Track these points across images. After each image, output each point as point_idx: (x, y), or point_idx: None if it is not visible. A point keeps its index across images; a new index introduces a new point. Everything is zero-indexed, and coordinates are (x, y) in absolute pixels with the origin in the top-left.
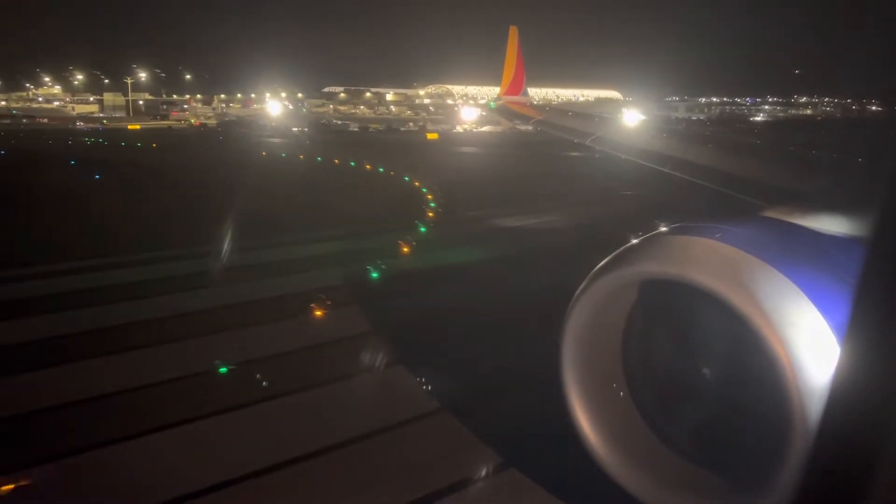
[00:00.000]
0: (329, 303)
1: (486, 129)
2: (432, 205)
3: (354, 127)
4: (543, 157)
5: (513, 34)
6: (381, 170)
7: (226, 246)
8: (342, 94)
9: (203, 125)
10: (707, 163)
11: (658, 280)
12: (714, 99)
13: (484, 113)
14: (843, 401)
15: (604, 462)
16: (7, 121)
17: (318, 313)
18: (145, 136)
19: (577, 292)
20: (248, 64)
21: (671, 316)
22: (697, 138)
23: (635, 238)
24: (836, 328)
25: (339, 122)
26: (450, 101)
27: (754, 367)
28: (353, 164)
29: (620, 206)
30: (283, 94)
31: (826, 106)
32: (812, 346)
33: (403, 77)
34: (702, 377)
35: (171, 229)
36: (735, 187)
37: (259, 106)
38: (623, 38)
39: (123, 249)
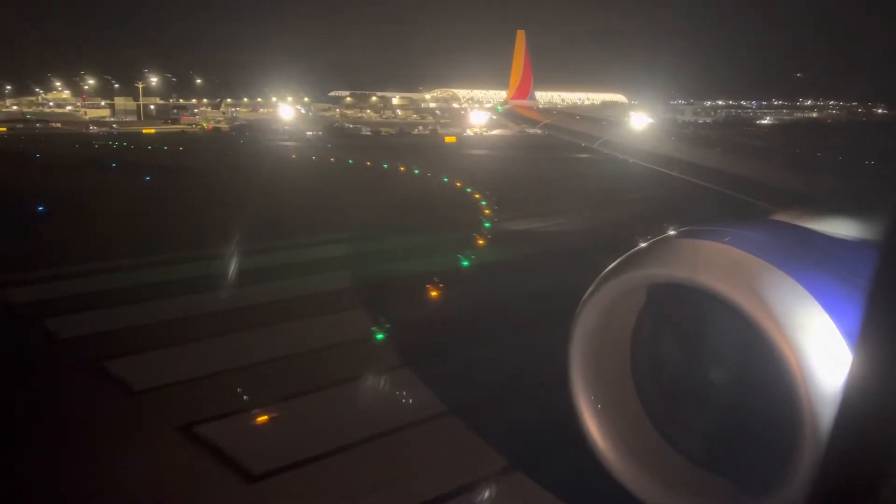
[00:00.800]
0: (442, 285)
1: (496, 132)
2: (483, 203)
3: (367, 131)
4: (559, 159)
5: (520, 38)
6: (416, 171)
7: (326, 238)
8: (348, 99)
9: (217, 129)
10: (716, 166)
11: (667, 283)
12: (719, 102)
13: (494, 117)
14: (856, 406)
15: (612, 466)
16: (20, 125)
17: (434, 293)
18: (165, 139)
19: (586, 295)
20: (254, 68)
21: (680, 319)
22: (706, 141)
23: (644, 241)
24: (847, 332)
25: (351, 126)
26: (455, 105)
27: (763, 371)
28: (385, 166)
29: (645, 206)
30: (290, 99)
31: (832, 109)
32: (822, 350)
33: (408, 81)
34: (710, 381)
35: (255, 225)
36: (744, 190)
37: (266, 110)
38: (627, 42)
39: (230, 241)
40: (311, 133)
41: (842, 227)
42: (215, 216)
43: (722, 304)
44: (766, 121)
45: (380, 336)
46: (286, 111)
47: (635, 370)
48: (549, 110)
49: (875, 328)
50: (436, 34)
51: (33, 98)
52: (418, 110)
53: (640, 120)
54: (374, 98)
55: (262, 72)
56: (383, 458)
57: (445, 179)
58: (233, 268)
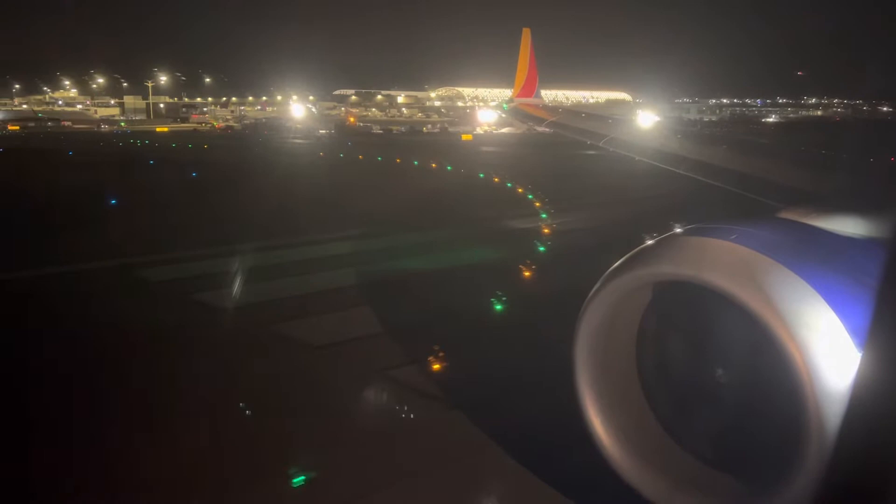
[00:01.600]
0: (534, 266)
1: (504, 130)
2: (530, 196)
3: (378, 129)
4: (570, 156)
5: (526, 36)
6: (448, 168)
7: (409, 229)
8: (353, 97)
9: (229, 127)
10: (722, 164)
11: (673, 281)
12: (724, 100)
13: (503, 115)
14: (865, 405)
15: (617, 463)
16: (32, 124)
17: (527, 273)
18: (184, 137)
19: (591, 293)
20: (260, 67)
21: (686, 317)
22: (712, 139)
23: (650, 239)
24: (854, 331)
25: (361, 125)
26: (460, 104)
27: (769, 369)
28: (416, 162)
29: (668, 201)
30: (295, 97)
31: (837, 107)
32: (828, 349)
33: (413, 80)
34: (716, 379)
35: (325, 216)
36: (751, 188)
37: (272, 109)
38: (631, 41)
39: (314, 230)
40: (323, 131)
41: (849, 226)
42: (292, 207)
43: (728, 301)
44: (771, 119)
45: (498, 307)
46: (297, 110)
47: (641, 368)
48: (555, 108)
49: (884, 327)
50: (440, 33)
51: (41, 97)
52: (423, 109)
53: (647, 118)
54: (379, 96)
55: (267, 71)
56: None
57: (482, 175)
58: (348, 250)
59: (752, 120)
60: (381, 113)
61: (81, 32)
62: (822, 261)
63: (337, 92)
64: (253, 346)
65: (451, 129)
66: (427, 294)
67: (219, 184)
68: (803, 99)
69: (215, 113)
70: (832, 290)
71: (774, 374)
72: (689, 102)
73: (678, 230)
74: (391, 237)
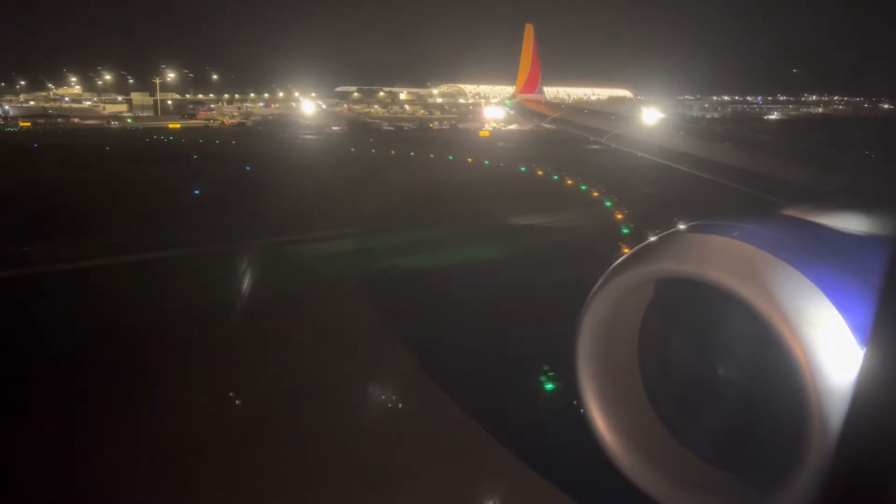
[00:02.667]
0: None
1: (512, 126)
2: (584, 187)
3: (389, 126)
4: (581, 151)
5: (528, 32)
6: (486, 162)
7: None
8: (356, 94)
9: (241, 124)
10: (725, 161)
11: (675, 278)
12: (725, 97)
13: (512, 112)
14: (868, 402)
15: (619, 461)
16: (42, 120)
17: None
18: (202, 134)
19: (594, 290)
20: (262, 64)
21: (688, 314)
22: (715, 136)
23: (653, 236)
24: (856, 328)
25: (371, 121)
26: (461, 101)
27: (772, 366)
28: (451, 157)
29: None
30: (297, 94)
31: (838, 104)
32: (831, 346)
33: (415, 76)
34: (719, 376)
35: (405, 207)
36: (754, 185)
37: (275, 105)
38: (632, 38)
39: (405, 218)
40: (336, 127)
41: (853, 223)
42: (380, 198)
43: (730, 299)
44: (774, 116)
45: None
46: (307, 106)
47: (643, 365)
48: (558, 105)
49: (887, 324)
50: (442, 30)
51: (45, 93)
52: (426, 105)
53: (652, 115)
54: (381, 93)
55: (269, 68)
56: None
57: (523, 168)
58: (465, 233)
59: (755, 117)
60: (383, 110)
61: (86, 29)
62: (825, 258)
63: (339, 89)
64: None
65: (459, 126)
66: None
67: (279, 176)
68: (804, 96)
69: (222, 110)
70: (835, 288)
71: (777, 372)
72: (691, 99)
73: (681, 227)
74: (514, 220)
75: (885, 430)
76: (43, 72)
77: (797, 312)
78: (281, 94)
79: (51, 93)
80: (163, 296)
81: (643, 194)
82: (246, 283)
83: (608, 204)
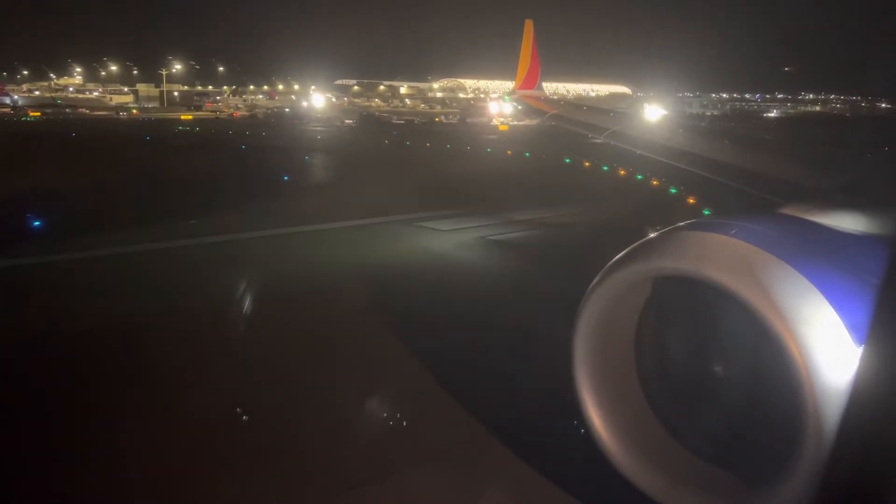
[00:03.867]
0: None
1: (525, 122)
2: (639, 177)
3: (399, 120)
4: (593, 145)
5: (528, 28)
6: (527, 155)
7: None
8: (356, 87)
9: (253, 115)
10: (723, 159)
11: (672, 276)
12: (724, 95)
13: (520, 107)
14: (865, 401)
15: (615, 458)
16: (49, 110)
17: None
18: (221, 125)
19: (591, 287)
20: (263, 57)
21: (685, 312)
22: (716, 134)
23: (651, 233)
24: (853, 327)
25: (378, 115)
26: (461, 95)
27: (769, 364)
28: (489, 150)
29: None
30: (297, 87)
31: (835, 102)
32: (827, 345)
33: (414, 70)
34: (715, 374)
35: (500, 194)
36: (752, 184)
37: (279, 98)
38: (630, 34)
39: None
40: (349, 121)
41: (849, 222)
42: (469, 184)
43: (727, 297)
44: (773, 114)
45: None
46: (316, 100)
47: (640, 363)
48: (557, 101)
49: (885, 324)
50: (442, 24)
51: (46, 83)
52: (426, 100)
53: (655, 112)
54: (381, 87)
55: (268, 60)
56: None
57: (567, 160)
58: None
59: (754, 114)
60: (383, 104)
61: (87, 19)
62: (821, 257)
63: (338, 82)
64: None
65: (468, 121)
66: None
67: (346, 165)
68: (801, 94)
69: (227, 101)
70: (831, 287)
71: (773, 370)
72: (690, 97)
73: (678, 225)
74: (602, 204)
75: (882, 428)
76: (44, 61)
77: (794, 310)
78: (280, 87)
79: (52, 83)
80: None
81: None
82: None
83: (673, 191)
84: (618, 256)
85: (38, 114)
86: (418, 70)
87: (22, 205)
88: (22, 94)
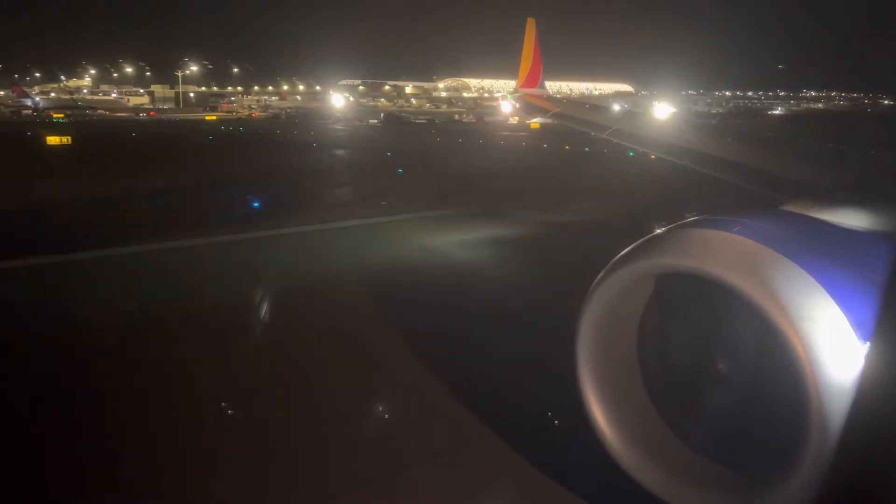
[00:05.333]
0: None
1: (537, 120)
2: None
3: (421, 119)
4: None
5: (530, 26)
6: (587, 150)
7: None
8: (361, 87)
9: (275, 116)
10: (726, 156)
11: (675, 273)
12: (727, 93)
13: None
14: (870, 398)
15: (618, 454)
16: (68, 111)
17: None
18: (260, 125)
19: (594, 284)
20: (264, 58)
21: (689, 309)
22: (715, 131)
23: (656, 230)
24: (857, 324)
25: (401, 115)
26: (465, 94)
27: (772, 362)
28: (545, 145)
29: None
30: (301, 87)
31: (838, 100)
32: (832, 342)
33: (417, 70)
34: (719, 371)
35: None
36: (755, 181)
37: (290, 98)
38: (632, 33)
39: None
40: (374, 120)
41: (853, 219)
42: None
43: (730, 293)
44: (777, 111)
45: None
46: (336, 99)
47: (643, 359)
48: (559, 99)
49: (890, 320)
50: (446, 23)
51: (56, 85)
52: (431, 99)
53: (663, 109)
54: (387, 87)
55: (274, 61)
56: None
57: (631, 154)
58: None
59: (759, 112)
60: (389, 103)
61: (95, 21)
62: (825, 253)
63: (343, 82)
64: None
65: (486, 119)
66: None
67: (440, 158)
68: (803, 92)
69: (242, 102)
70: (835, 283)
71: (777, 367)
72: (693, 95)
73: (682, 221)
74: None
75: (886, 426)
76: (55, 63)
77: (797, 307)
78: (285, 87)
79: (61, 84)
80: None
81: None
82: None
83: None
84: (621, 253)
85: (62, 116)
86: (421, 70)
87: (239, 192)
88: (42, 97)
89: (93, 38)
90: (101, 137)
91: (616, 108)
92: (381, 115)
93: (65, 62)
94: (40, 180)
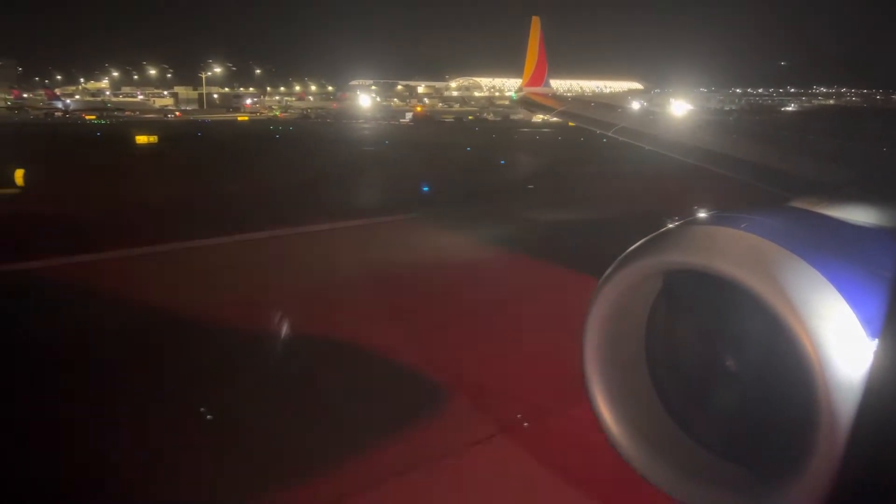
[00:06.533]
0: None
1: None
2: None
3: (450, 118)
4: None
5: (535, 25)
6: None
7: None
8: (373, 87)
9: (305, 116)
10: (734, 153)
11: (683, 270)
12: (737, 90)
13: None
14: (879, 396)
15: (626, 452)
16: (98, 113)
17: None
18: (302, 125)
19: (601, 281)
20: (275, 58)
21: (696, 307)
22: (723, 128)
23: (663, 227)
24: (866, 321)
25: (430, 113)
26: (476, 94)
27: (780, 359)
28: (604, 140)
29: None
30: (313, 88)
31: (849, 96)
32: (840, 339)
33: (426, 69)
34: (726, 369)
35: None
36: (763, 177)
37: (308, 98)
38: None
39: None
40: (405, 119)
41: (863, 215)
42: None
43: (738, 290)
44: (791, 107)
45: None
46: (364, 99)
47: (650, 357)
48: (564, 98)
49: None
50: (456, 22)
51: (74, 87)
52: (443, 98)
53: (680, 107)
54: (399, 87)
55: (287, 62)
56: None
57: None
58: None
59: (772, 109)
60: (402, 103)
61: (128, 24)
62: (834, 250)
63: (354, 82)
64: None
65: (512, 117)
66: None
67: (526, 152)
68: (813, 88)
69: (263, 103)
70: (844, 280)
71: (785, 365)
72: (705, 92)
73: (689, 218)
74: None
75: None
76: (74, 66)
77: (806, 304)
78: (298, 87)
79: (80, 86)
80: None
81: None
82: None
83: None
84: (628, 250)
85: (94, 117)
86: (431, 69)
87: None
88: (71, 99)
89: (108, 41)
90: (175, 137)
91: (623, 105)
92: (409, 114)
93: (83, 65)
94: (212, 170)
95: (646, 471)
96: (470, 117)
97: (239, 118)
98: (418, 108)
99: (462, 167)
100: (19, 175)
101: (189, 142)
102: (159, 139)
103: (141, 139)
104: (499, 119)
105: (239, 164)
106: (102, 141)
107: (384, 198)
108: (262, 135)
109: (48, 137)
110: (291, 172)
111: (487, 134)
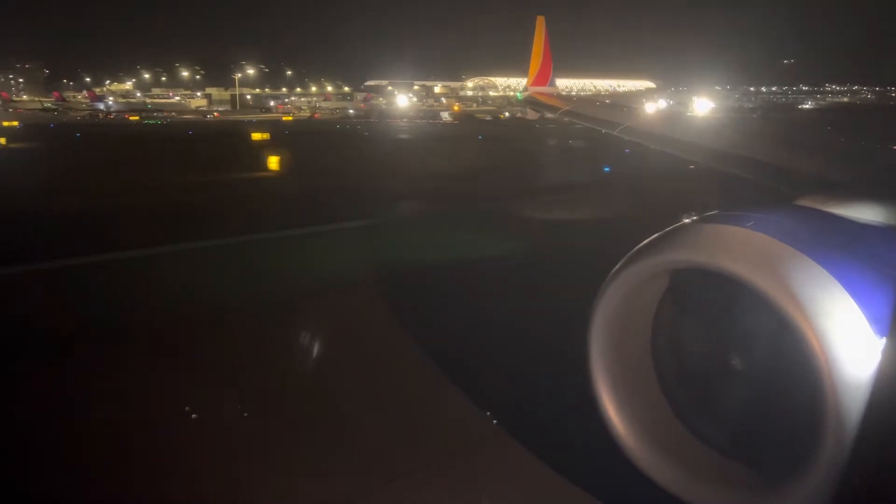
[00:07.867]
0: None
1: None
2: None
3: (487, 117)
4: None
5: (539, 24)
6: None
7: None
8: (389, 87)
9: (346, 116)
10: (740, 152)
11: (689, 268)
12: (751, 88)
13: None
14: (888, 396)
15: (632, 452)
16: (140, 114)
17: None
18: (343, 124)
19: (606, 280)
20: (293, 58)
21: (702, 305)
22: (729, 126)
23: (667, 226)
24: (874, 319)
25: (462, 111)
26: (492, 93)
27: (787, 357)
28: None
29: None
30: (329, 88)
31: (865, 93)
32: (847, 337)
33: (438, 69)
34: (733, 367)
35: None
36: (768, 176)
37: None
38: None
39: None
40: (446, 118)
41: (869, 213)
42: None
43: (744, 289)
44: (808, 105)
45: None
46: (400, 100)
47: (656, 356)
48: (569, 97)
49: None
50: (470, 21)
51: (100, 89)
52: (459, 98)
53: (703, 105)
54: (416, 86)
55: (301, 62)
56: None
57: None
58: None
59: (790, 107)
60: (420, 102)
61: (154, 26)
62: (840, 248)
63: (369, 82)
64: None
65: (547, 115)
66: None
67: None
68: (826, 86)
69: (294, 103)
70: (852, 278)
71: (792, 363)
72: (720, 90)
73: (695, 217)
74: None
75: None
76: (101, 68)
77: (813, 302)
78: (314, 88)
79: (105, 88)
80: None
81: None
82: None
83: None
84: (634, 249)
85: (137, 118)
86: (445, 69)
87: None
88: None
89: (132, 43)
90: (283, 136)
91: (628, 105)
92: (444, 114)
93: (110, 68)
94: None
95: (653, 471)
96: (504, 115)
97: (284, 118)
98: (456, 107)
99: (583, 155)
100: (274, 161)
101: (308, 140)
102: (272, 136)
103: (257, 136)
104: (535, 117)
105: (402, 156)
106: (224, 138)
107: (584, 178)
108: (348, 133)
109: (157, 138)
110: (454, 163)
111: (543, 130)
